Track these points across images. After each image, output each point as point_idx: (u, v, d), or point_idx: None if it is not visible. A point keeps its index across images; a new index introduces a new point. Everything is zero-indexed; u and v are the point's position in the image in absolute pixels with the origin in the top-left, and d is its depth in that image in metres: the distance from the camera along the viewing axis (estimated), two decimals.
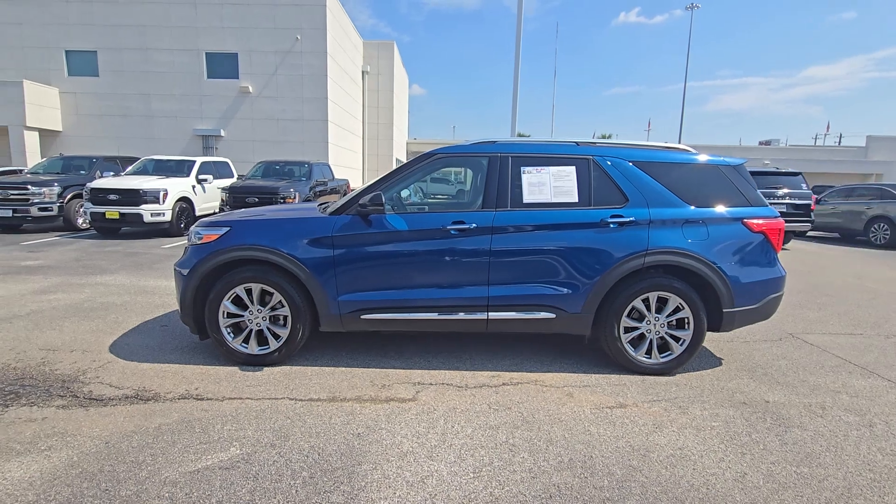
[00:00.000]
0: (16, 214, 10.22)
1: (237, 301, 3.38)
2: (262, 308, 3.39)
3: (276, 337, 3.40)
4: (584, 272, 3.33)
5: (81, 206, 10.43)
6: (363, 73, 28.43)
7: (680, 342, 3.41)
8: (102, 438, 2.41)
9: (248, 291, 3.36)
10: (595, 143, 3.63)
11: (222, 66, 20.18)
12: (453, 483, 2.12)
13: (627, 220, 3.34)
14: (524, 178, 3.42)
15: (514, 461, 2.31)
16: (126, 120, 20.12)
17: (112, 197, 9.74)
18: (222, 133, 20.40)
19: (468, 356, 3.70)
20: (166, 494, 1.99)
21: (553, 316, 3.38)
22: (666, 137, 69.70)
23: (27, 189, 10.25)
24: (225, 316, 3.38)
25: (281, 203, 10.23)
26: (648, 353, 3.43)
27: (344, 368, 3.40)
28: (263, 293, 3.38)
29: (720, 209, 3.45)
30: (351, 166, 25.70)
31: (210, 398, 2.89)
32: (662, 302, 3.40)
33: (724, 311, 3.39)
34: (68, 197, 10.69)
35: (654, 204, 3.40)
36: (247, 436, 2.46)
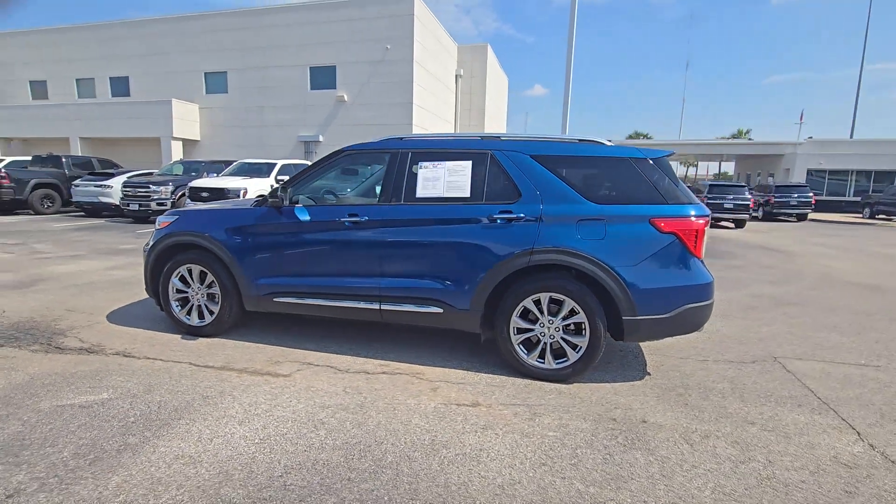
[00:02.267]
0: (141, 208, 12.61)
1: (184, 279, 3.97)
2: (200, 286, 3.93)
3: (211, 313, 3.92)
4: (469, 268, 3.29)
5: (185, 201, 12.48)
6: (456, 76, 29.16)
7: (576, 349, 3.19)
8: (30, 374, 3.08)
9: (190, 271, 3.93)
10: (500, 136, 3.54)
11: (323, 78, 22.32)
12: (234, 444, 2.35)
13: (515, 216, 3.23)
14: (420, 173, 3.48)
15: (305, 436, 2.46)
16: (245, 130, 23.27)
17: (204, 194, 11.49)
18: (321, 139, 22.55)
19: (379, 344, 3.85)
20: (26, 418, 2.53)
21: (441, 311, 3.39)
22: (827, 130, 59.61)
23: (149, 188, 12.58)
24: (174, 291, 3.98)
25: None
26: (542, 357, 3.26)
27: (259, 345, 3.79)
28: (202, 273, 3.91)
29: (624, 206, 3.15)
30: None
31: (133, 356, 3.48)
32: (558, 304, 3.21)
33: (624, 318, 3.09)
34: (179, 194, 12.86)
35: (548, 200, 3.22)
36: (124, 386, 2.96)
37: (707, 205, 21.21)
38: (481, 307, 3.31)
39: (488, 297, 3.29)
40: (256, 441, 2.40)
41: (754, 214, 19.64)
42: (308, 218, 3.61)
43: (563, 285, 3.15)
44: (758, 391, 3.20)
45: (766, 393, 3.17)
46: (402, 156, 3.55)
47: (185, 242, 3.89)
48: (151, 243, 4.02)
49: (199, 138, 23.73)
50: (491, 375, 3.32)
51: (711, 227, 18.98)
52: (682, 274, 3.09)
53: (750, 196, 17.05)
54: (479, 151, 3.42)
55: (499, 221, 3.25)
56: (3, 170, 13.49)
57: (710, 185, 17.71)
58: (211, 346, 3.73)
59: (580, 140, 3.46)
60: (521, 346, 3.29)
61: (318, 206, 3.78)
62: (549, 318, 3.22)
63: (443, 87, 26.29)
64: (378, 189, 3.64)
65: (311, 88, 22.57)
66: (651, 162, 3.21)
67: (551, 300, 3.20)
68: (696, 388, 3.22)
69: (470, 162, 3.41)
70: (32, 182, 13.95)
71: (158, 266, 4.02)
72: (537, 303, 3.22)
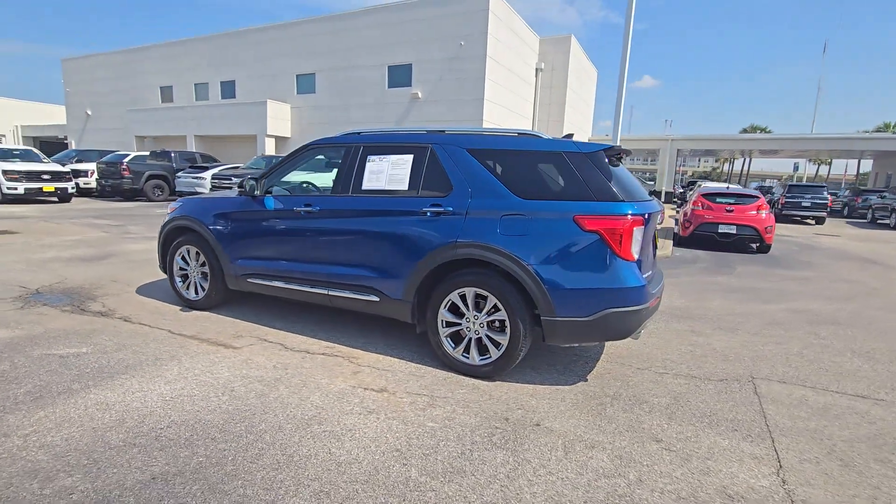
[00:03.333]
0: None
1: (184, 258, 4.53)
2: (196, 265, 4.46)
3: (203, 289, 4.43)
4: (402, 259, 3.39)
5: None
6: (536, 70, 28.53)
7: (498, 347, 3.15)
8: (46, 328, 3.77)
9: (189, 251, 4.48)
10: (444, 130, 3.55)
11: (400, 76, 23.15)
12: (148, 399, 2.72)
13: (444, 209, 3.25)
14: (367, 166, 3.63)
15: (208, 399, 2.76)
16: (330, 127, 24.89)
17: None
18: None
19: (342, 328, 4.08)
20: (16, 361, 3.14)
21: (378, 299, 3.53)
22: None
23: (230, 180, 14.13)
24: (177, 268, 4.57)
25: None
26: (468, 352, 3.26)
27: (237, 320, 4.22)
28: (197, 254, 4.44)
29: (549, 202, 3.02)
30: None
31: (130, 321, 4.07)
32: (483, 300, 3.18)
33: (542, 318, 2.98)
34: None
35: (477, 194, 3.20)
36: (103, 344, 3.51)
37: (785, 204, 19.50)
38: (412, 298, 3.38)
39: (418, 289, 3.35)
40: (167, 399, 2.75)
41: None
42: (273, 207, 3.94)
43: (486, 281, 3.12)
44: (697, 410, 2.91)
45: (706, 413, 2.87)
46: (355, 149, 3.72)
47: (184, 226, 4.44)
48: (162, 225, 4.64)
49: (289, 135, 25.89)
50: (420, 366, 3.39)
51: (793, 223, 17.03)
52: (605, 276, 2.90)
53: (829, 196, 19.13)
54: (421, 145, 3.48)
55: (429, 214, 3.30)
56: (124, 163, 15.96)
57: (790, 186, 19.99)
58: (197, 318, 4.23)
59: (519, 133, 3.37)
60: (448, 339, 3.32)
61: (282, 196, 4.09)
62: (475, 313, 3.21)
63: (520, 82, 25.91)
64: (332, 181, 3.85)
65: (389, 87, 23.51)
66: (585, 156, 3.04)
67: (477, 295, 3.19)
68: (624, 400, 3.01)
69: (412, 156, 3.49)
70: (146, 174, 16.33)
71: (166, 245, 4.63)
72: (463, 297, 3.23)
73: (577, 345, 3.23)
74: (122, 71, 30.82)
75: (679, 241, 11.09)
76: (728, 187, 11.51)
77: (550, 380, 3.27)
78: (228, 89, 27.67)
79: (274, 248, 3.97)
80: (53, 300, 4.57)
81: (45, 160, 14.71)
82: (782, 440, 2.60)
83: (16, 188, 13.13)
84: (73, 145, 32.12)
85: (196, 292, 4.48)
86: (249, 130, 24.65)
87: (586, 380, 3.30)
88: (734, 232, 10.24)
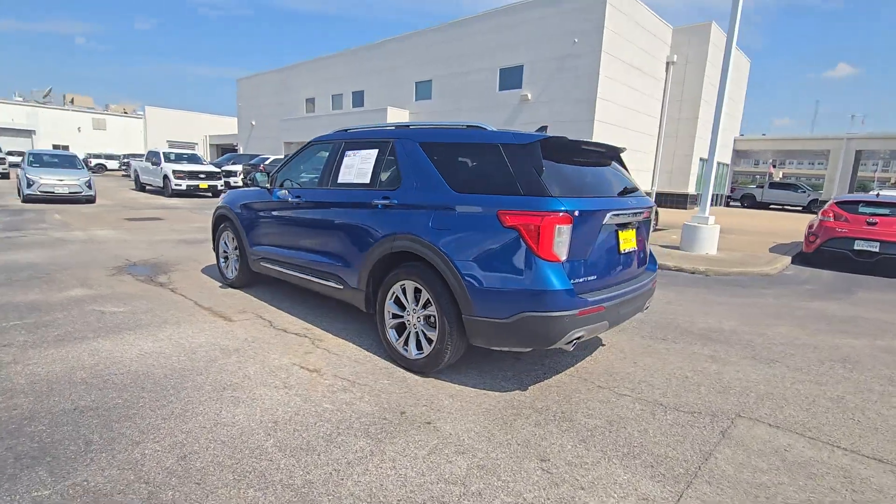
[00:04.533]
0: None
1: (226, 242, 5.26)
2: (232, 249, 5.15)
3: (236, 269, 5.11)
4: (356, 249, 3.54)
5: None
6: (667, 64, 26.08)
7: (430, 342, 3.12)
8: (114, 291, 4.73)
9: (227, 236, 5.19)
10: (410, 125, 3.58)
11: (510, 78, 23.12)
12: (127, 352, 3.29)
13: (390, 202, 3.31)
14: (344, 160, 3.84)
15: (166, 357, 3.24)
16: None
17: None
18: None
19: (329, 315, 4.38)
20: (70, 312, 4.02)
21: (341, 287, 3.72)
22: None
23: None
24: (222, 250, 5.33)
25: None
26: (407, 345, 3.28)
27: (253, 298, 4.78)
28: (232, 238, 5.13)
29: (477, 196, 2.89)
30: (632, 167, 24.34)
31: (174, 291, 4.89)
32: (421, 294, 3.18)
33: (463, 316, 2.88)
34: None
35: (420, 187, 3.20)
36: (138, 306, 4.29)
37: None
38: (366, 287, 3.51)
39: (369, 279, 3.47)
40: (142, 353, 3.30)
41: None
42: (278, 198, 4.39)
43: (421, 274, 3.10)
44: (625, 439, 2.54)
45: (634, 444, 2.50)
46: (338, 145, 3.97)
47: (223, 214, 5.16)
48: (213, 212, 5.45)
49: None
50: (371, 354, 3.50)
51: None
52: (522, 276, 2.68)
53: None
54: (385, 140, 3.58)
55: (379, 207, 3.39)
56: (263, 165, 18.66)
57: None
58: (225, 294, 4.90)
59: (467, 126, 3.26)
60: (394, 331, 3.37)
61: (286, 188, 4.51)
62: (414, 307, 3.22)
63: (644, 78, 23.94)
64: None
65: (500, 89, 23.62)
66: (519, 148, 2.85)
67: (416, 289, 3.19)
68: (548, 415, 2.76)
69: (377, 150, 3.61)
70: None
71: (214, 230, 5.43)
72: (405, 290, 3.25)
73: (506, 349, 3.01)
74: (279, 86, 35.93)
75: (804, 258, 9.26)
76: (878, 195, 9.21)
77: (487, 384, 3.12)
78: (358, 98, 30.49)
79: (276, 235, 4.43)
80: (137, 271, 5.68)
81: (204, 162, 17.93)
82: (702, 488, 2.15)
83: (180, 185, 16.26)
84: (241, 151, 38.38)
85: (231, 272, 5.18)
86: None
87: (525, 389, 3.08)
88: (876, 250, 8.21)
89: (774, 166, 66.78)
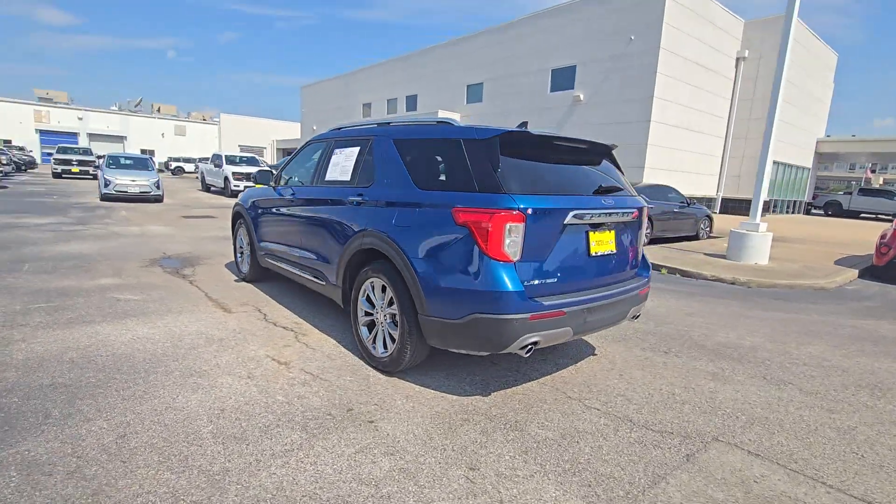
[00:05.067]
0: None
1: (240, 238, 5.53)
2: (245, 244, 5.41)
3: (249, 265, 5.35)
4: (334, 246, 3.58)
5: None
6: (738, 60, 24.32)
7: (394, 341, 3.08)
8: (138, 281, 5.11)
9: (242, 232, 5.45)
10: (391, 122, 3.56)
11: (562, 79, 22.56)
12: (121, 336, 3.53)
13: (363, 199, 3.32)
14: (332, 158, 3.91)
15: (150, 342, 3.44)
16: None
17: None
18: None
19: (322, 311, 4.47)
20: (90, 298, 4.39)
21: (323, 283, 3.78)
22: None
23: None
24: (238, 246, 5.60)
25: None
26: (376, 343, 3.27)
27: (260, 292, 4.98)
28: (246, 234, 5.38)
29: (435, 192, 2.82)
30: (694, 170, 22.96)
31: (192, 284, 5.20)
32: (386, 291, 3.16)
33: (419, 315, 2.82)
34: None
35: (390, 184, 3.20)
36: (152, 295, 4.60)
37: None
38: (342, 283, 3.54)
39: (345, 275, 3.49)
40: (136, 338, 3.53)
41: None
42: (278, 195, 4.55)
43: (384, 272, 3.08)
44: (572, 455, 2.37)
45: (582, 461, 2.32)
46: (329, 143, 4.05)
47: (237, 211, 5.43)
48: (232, 210, 5.75)
49: None
50: (347, 351, 3.53)
51: None
52: (472, 275, 2.58)
53: None
54: (365, 137, 3.60)
55: (354, 203, 3.41)
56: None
57: None
58: (237, 287, 5.15)
59: (437, 122, 3.19)
60: (366, 328, 3.37)
61: (284, 186, 4.64)
62: (381, 304, 3.20)
63: (710, 76, 22.47)
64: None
65: (551, 91, 23.12)
66: (479, 143, 2.75)
67: (383, 286, 3.18)
68: (500, 422, 2.63)
69: (359, 148, 3.64)
70: None
71: (232, 227, 5.72)
72: (374, 287, 3.25)
73: (462, 351, 2.86)
74: (339, 92, 37.40)
75: (875, 272, 8.24)
76: None
77: (449, 387, 3.03)
78: (412, 102, 31.04)
79: (276, 232, 4.59)
80: (167, 263, 6.11)
81: (261, 164, 18.99)
82: None
83: (238, 185, 17.33)
84: None
85: (245, 267, 5.43)
86: None
87: (487, 395, 2.96)
88: None
89: (873, 171, 59.78)
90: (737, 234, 8.46)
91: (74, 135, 43.46)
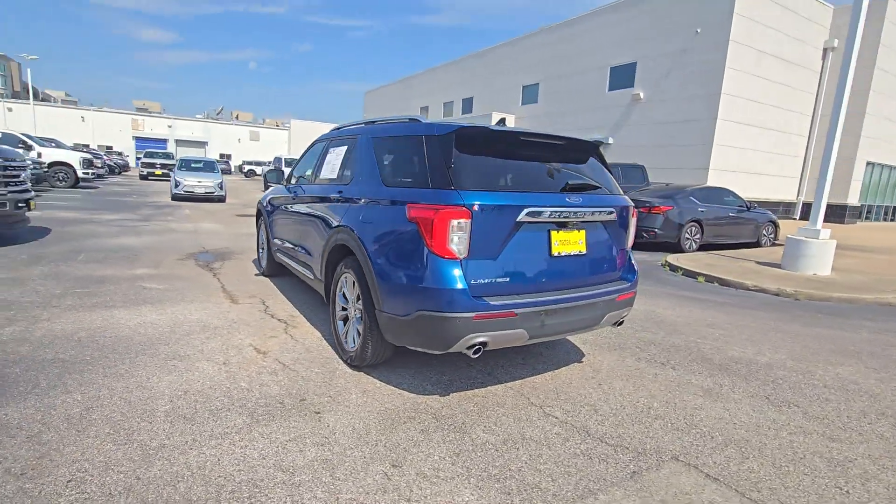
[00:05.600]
0: None
1: (262, 234, 5.85)
2: (265, 241, 5.71)
3: (265, 260, 5.65)
4: (318, 241, 3.70)
5: None
6: (825, 51, 22.05)
7: (360, 335, 3.13)
8: (172, 272, 5.57)
9: (262, 229, 5.76)
10: (376, 121, 3.61)
11: (621, 76, 21.64)
12: (130, 318, 3.87)
13: (342, 196, 3.41)
14: (327, 156, 4.04)
15: (158, 324, 3.72)
16: None
17: None
18: (610, 140, 22.03)
19: (325, 306, 4.61)
20: (120, 285, 4.84)
21: (312, 276, 3.92)
22: None
23: None
24: (260, 242, 5.93)
25: None
26: (347, 337, 3.33)
27: (272, 285, 5.25)
28: (266, 232, 5.68)
29: (396, 189, 2.84)
30: (769, 172, 21.09)
31: (215, 275, 5.58)
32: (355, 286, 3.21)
33: (375, 311, 2.84)
34: None
35: (363, 181, 3.29)
36: (174, 285, 4.99)
37: None
38: (324, 278, 3.64)
39: (326, 269, 3.59)
40: (143, 322, 3.85)
41: None
42: (285, 193, 4.76)
43: (353, 267, 3.14)
44: (503, 462, 2.28)
45: (509, 468, 2.23)
46: (327, 143, 4.18)
47: (258, 209, 5.74)
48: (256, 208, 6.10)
49: None
50: (328, 345, 3.63)
51: None
52: (418, 272, 2.56)
53: None
54: (353, 136, 3.68)
55: (334, 200, 3.51)
56: None
57: None
58: (254, 281, 5.45)
59: (409, 119, 3.18)
60: (342, 322, 3.45)
61: (293, 185, 4.84)
62: (353, 298, 3.26)
63: (791, 69, 20.57)
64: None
65: (609, 89, 22.26)
66: (437, 139, 2.72)
67: (353, 281, 3.23)
68: (446, 423, 2.59)
69: (346, 146, 3.74)
70: None
71: (257, 224, 6.05)
72: (347, 282, 3.31)
73: (415, 349, 2.80)
74: (398, 96, 38.38)
75: None
76: None
77: (411, 385, 3.03)
78: (468, 104, 31.17)
79: (283, 228, 4.81)
80: (201, 257, 6.60)
81: None
82: None
83: None
84: None
85: (264, 262, 5.74)
86: None
87: (445, 395, 2.92)
88: None
89: None
90: (793, 241, 7.68)
91: (164, 141, 48.20)
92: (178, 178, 14.87)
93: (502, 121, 3.37)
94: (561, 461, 2.30)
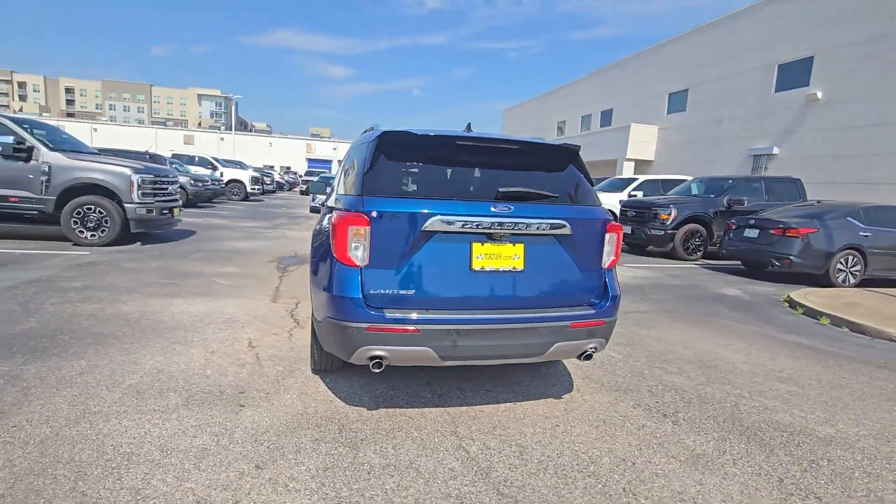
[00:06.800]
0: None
1: None
2: None
3: None
4: (315, 247, 3.88)
5: None
6: None
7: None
8: (250, 271, 6.41)
9: None
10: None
11: (793, 75, 18.21)
12: (153, 308, 4.56)
13: (322, 205, 3.54)
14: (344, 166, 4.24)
15: (167, 312, 4.32)
16: (695, 146, 22.44)
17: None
18: (775, 150, 18.61)
19: None
20: (190, 279, 5.73)
21: None
22: None
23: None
24: None
25: None
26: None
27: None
28: None
29: (343, 195, 2.86)
30: None
31: (280, 277, 6.25)
32: None
33: (313, 316, 2.88)
34: None
35: (335, 190, 3.34)
36: (236, 281, 5.72)
37: None
38: None
39: None
40: (181, 310, 4.50)
41: None
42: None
43: None
44: (371, 491, 2.11)
45: (370, 496, 2.05)
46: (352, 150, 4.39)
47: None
48: None
49: (652, 158, 24.99)
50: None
51: None
52: (325, 277, 2.54)
53: None
54: (369, 142, 3.80)
55: (323, 208, 3.66)
56: None
57: None
58: (306, 285, 5.96)
59: (371, 128, 3.15)
60: None
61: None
62: None
63: None
64: None
65: (776, 91, 18.91)
66: (366, 146, 2.70)
67: None
68: (341, 435, 2.51)
69: (349, 155, 3.88)
70: None
71: None
72: None
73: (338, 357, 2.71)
74: (536, 113, 38.15)
75: None
76: None
77: (349, 395, 2.98)
78: (606, 117, 29.50)
79: None
80: (286, 261, 7.44)
81: None
82: None
83: None
84: None
85: None
86: (610, 155, 25.52)
87: (373, 409, 2.81)
88: None
89: None
90: None
91: (328, 161, 55.75)
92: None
93: (468, 127, 3.14)
94: (423, 500, 2.03)
